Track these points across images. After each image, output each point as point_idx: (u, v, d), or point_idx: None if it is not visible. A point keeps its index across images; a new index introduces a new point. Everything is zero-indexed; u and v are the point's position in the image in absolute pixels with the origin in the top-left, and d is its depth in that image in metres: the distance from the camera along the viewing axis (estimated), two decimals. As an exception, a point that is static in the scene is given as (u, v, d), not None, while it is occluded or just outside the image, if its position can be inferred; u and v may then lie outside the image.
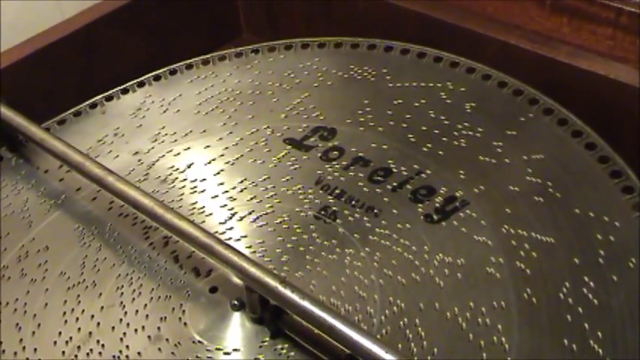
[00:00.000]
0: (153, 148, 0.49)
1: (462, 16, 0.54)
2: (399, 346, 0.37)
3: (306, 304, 0.35)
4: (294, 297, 0.35)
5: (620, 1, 0.48)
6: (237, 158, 0.48)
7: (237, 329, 0.39)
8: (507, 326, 0.37)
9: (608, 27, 0.49)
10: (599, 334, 0.36)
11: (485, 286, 0.39)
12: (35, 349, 0.39)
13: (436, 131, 0.47)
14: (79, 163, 0.44)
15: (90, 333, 0.39)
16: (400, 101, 0.49)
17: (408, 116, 0.48)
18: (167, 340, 0.39)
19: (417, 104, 0.49)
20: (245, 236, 0.43)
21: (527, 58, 0.51)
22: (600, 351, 0.35)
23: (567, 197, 0.42)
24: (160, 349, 0.38)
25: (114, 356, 0.38)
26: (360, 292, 0.39)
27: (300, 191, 0.45)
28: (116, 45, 0.60)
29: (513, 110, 0.47)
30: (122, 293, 0.41)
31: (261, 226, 0.43)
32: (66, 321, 0.40)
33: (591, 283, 0.38)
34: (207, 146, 0.49)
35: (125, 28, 0.61)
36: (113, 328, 0.39)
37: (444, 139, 0.46)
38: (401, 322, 0.38)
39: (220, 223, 0.44)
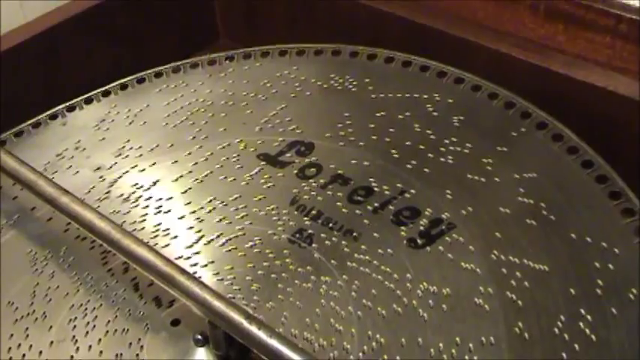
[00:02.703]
0: (116, 163, 0.46)
1: (451, 22, 0.51)
2: (378, 387, 0.33)
3: (274, 342, 0.32)
4: (261, 334, 0.32)
5: (620, 8, 0.45)
6: (206, 175, 0.44)
7: (200, 367, 0.35)
8: (497, 364, 0.34)
9: (607, 35, 0.46)
10: (598, 373, 0.33)
11: (473, 319, 0.35)
12: (-24, 389, 0.35)
13: (421, 147, 0.44)
14: (31, 180, 0.40)
15: (37, 371, 0.36)
16: (383, 113, 0.46)
17: (392, 130, 0.45)
18: (122, 379, 0.35)
19: (401, 117, 0.46)
20: (212, 262, 0.40)
21: (520, 68, 0.48)
22: (599, 393, 0.32)
23: (562, 220, 0.39)
24: (114, 390, 0.35)
25: (63, 398, 0.35)
26: (337, 325, 0.36)
27: (273, 212, 0.42)
28: (83, 50, 0.57)
29: (504, 124, 0.44)
30: (75, 326, 0.37)
31: (230, 250, 0.40)
32: (11, 358, 0.36)
33: (589, 317, 0.35)
34: (175, 162, 0.45)
35: (93, 32, 0.57)
36: (63, 366, 0.36)
37: (430, 155, 0.43)
38: (380, 360, 0.34)
39: (186, 247, 0.41)
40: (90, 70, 0.57)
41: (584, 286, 0.36)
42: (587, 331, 0.34)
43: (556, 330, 0.35)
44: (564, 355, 0.34)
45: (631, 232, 0.38)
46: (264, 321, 0.33)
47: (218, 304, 0.33)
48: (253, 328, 0.32)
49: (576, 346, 0.34)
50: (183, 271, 0.35)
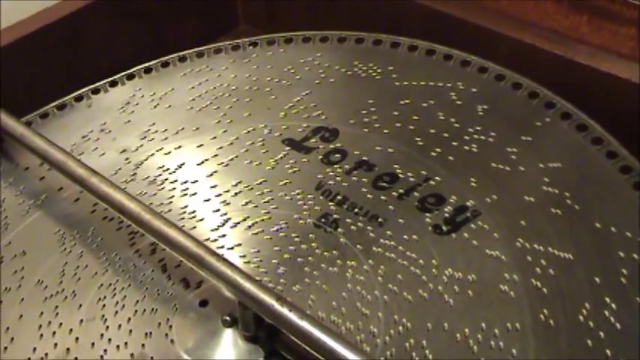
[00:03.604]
0: (142, 145, 0.46)
1: (474, 11, 0.51)
2: (405, 370, 0.34)
3: (304, 324, 0.32)
4: (292, 316, 0.33)
5: (646, -1, 0.45)
6: (231, 159, 0.44)
7: (228, 348, 0.36)
8: (522, 350, 0.34)
9: (632, 27, 0.46)
10: (623, 361, 0.33)
11: (498, 306, 0.36)
12: (7, 366, 0.36)
13: (445, 135, 0.44)
14: (61, 161, 0.41)
15: (67, 349, 0.36)
16: (407, 101, 0.46)
17: (416, 118, 0.45)
18: (152, 358, 0.35)
19: (425, 105, 0.46)
20: (239, 244, 0.40)
21: (544, 59, 0.48)
22: (624, 380, 0.33)
23: (587, 210, 0.39)
24: (143, 368, 0.35)
25: (93, 375, 0.35)
26: (363, 309, 0.36)
27: (299, 197, 0.42)
28: (104, 35, 0.57)
29: (528, 114, 0.44)
30: (104, 305, 0.38)
31: (256, 233, 0.40)
32: (42, 335, 0.37)
33: (613, 305, 0.35)
34: (200, 145, 0.46)
35: (114, 17, 0.57)
36: (93, 344, 0.36)
37: (454, 143, 0.44)
38: (407, 344, 0.35)
39: (212, 229, 0.41)
40: (111, 54, 0.57)
41: (609, 275, 0.36)
42: (612, 319, 0.35)
43: (581, 317, 0.35)
44: (589, 342, 0.34)
45: (655, 222, 0.38)
46: (293, 303, 0.33)
47: (249, 286, 0.34)
48: (284, 310, 0.33)
49: (601, 333, 0.34)
50: (214, 253, 0.35)
